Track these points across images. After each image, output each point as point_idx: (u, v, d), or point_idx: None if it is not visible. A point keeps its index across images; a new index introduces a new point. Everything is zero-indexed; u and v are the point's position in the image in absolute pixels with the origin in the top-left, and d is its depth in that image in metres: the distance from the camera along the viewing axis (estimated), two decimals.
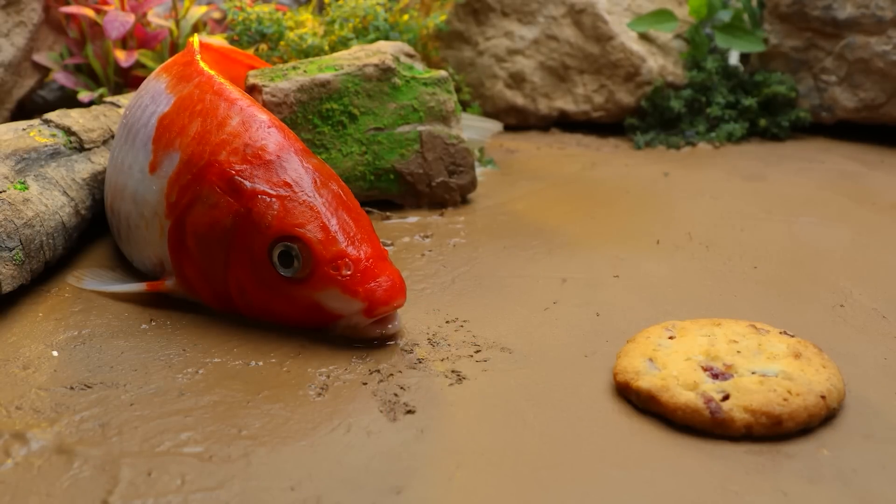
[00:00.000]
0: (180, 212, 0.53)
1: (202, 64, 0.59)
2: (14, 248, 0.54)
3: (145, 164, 0.56)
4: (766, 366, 0.45)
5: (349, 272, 0.49)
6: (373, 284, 0.49)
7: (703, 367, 0.45)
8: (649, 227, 0.71)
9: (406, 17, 0.91)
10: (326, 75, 0.71)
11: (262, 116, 0.54)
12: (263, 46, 0.85)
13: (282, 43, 0.84)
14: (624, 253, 0.65)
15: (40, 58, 0.90)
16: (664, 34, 1.02)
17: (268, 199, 0.51)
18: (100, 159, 0.66)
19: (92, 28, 0.90)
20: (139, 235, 0.57)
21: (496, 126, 0.90)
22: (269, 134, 0.53)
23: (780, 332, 0.48)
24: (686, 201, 0.78)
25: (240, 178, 0.52)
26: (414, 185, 0.74)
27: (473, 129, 0.83)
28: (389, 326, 0.51)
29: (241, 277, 0.51)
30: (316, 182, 0.52)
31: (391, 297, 0.49)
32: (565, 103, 1.03)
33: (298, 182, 0.52)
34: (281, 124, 0.54)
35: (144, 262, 0.58)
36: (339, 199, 0.52)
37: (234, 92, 0.56)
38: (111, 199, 0.60)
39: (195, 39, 0.64)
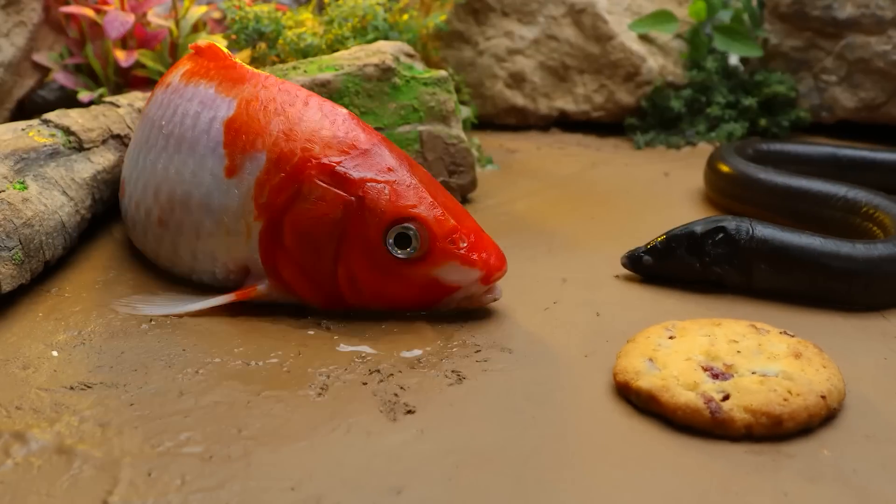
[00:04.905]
0: (276, 212, 0.53)
1: (247, 65, 0.59)
2: (13, 248, 0.54)
3: (219, 169, 0.55)
4: (767, 366, 0.45)
5: (465, 244, 0.52)
6: (485, 253, 0.53)
7: (703, 367, 0.45)
8: (650, 227, 0.71)
9: (406, 16, 0.91)
10: (327, 75, 0.71)
11: (341, 109, 0.56)
12: (262, 45, 0.85)
13: (280, 41, 0.84)
14: (624, 253, 0.65)
15: (40, 58, 0.90)
16: (664, 34, 1.02)
17: (378, 186, 0.52)
18: (99, 159, 0.66)
19: (92, 28, 0.89)
20: (213, 244, 0.56)
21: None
22: (354, 125, 0.55)
23: (781, 332, 0.48)
24: (686, 201, 0.78)
25: (343, 169, 0.53)
26: None
27: None
28: (497, 291, 0.54)
29: (354, 267, 0.52)
30: (410, 166, 0.54)
31: (502, 263, 0.53)
32: (565, 103, 1.03)
33: (398, 167, 0.54)
34: (355, 115, 0.56)
35: (215, 273, 0.57)
36: (432, 181, 0.55)
37: (301, 89, 0.57)
38: (159, 212, 0.58)
39: (219, 44, 0.62)
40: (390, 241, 0.52)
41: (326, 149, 0.53)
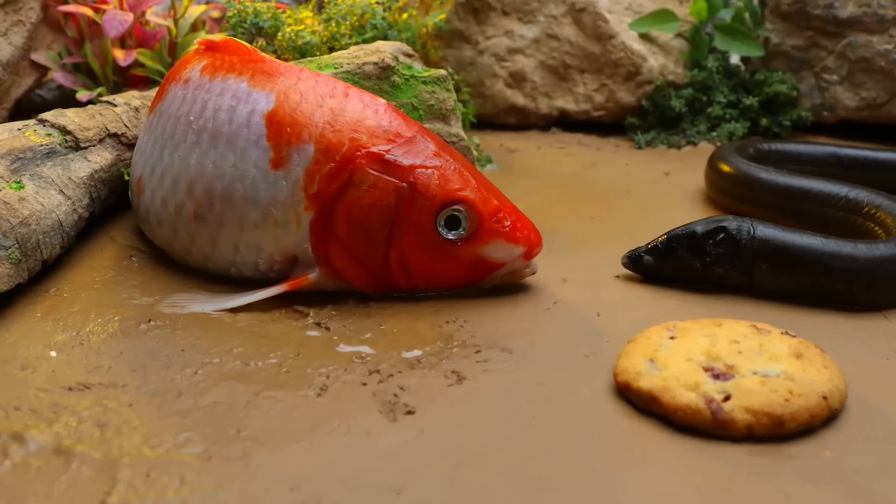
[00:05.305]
0: (327, 201, 0.54)
1: (275, 59, 0.60)
2: (10, 247, 0.54)
3: (263, 161, 0.55)
4: (768, 366, 0.45)
5: (508, 223, 0.55)
6: (526, 230, 0.56)
7: (704, 368, 0.45)
8: (650, 227, 0.71)
9: (405, 15, 0.91)
10: (326, 74, 0.71)
11: (380, 100, 0.58)
12: (260, 41, 0.85)
13: (279, 37, 0.83)
14: (624, 253, 0.65)
15: (39, 57, 0.89)
16: (665, 33, 1.02)
17: (427, 171, 0.55)
18: (96, 158, 0.66)
19: (90, 27, 0.89)
20: (258, 235, 0.56)
21: None
22: (395, 115, 0.57)
23: (782, 333, 0.48)
24: (687, 201, 0.78)
25: (393, 157, 0.55)
26: None
27: None
28: (534, 265, 0.57)
29: (406, 251, 0.54)
30: (451, 152, 0.57)
31: (540, 238, 0.57)
32: (566, 102, 1.03)
33: (441, 153, 0.56)
34: (393, 105, 0.58)
35: (258, 264, 0.57)
36: (469, 164, 0.58)
37: (338, 81, 0.58)
38: (194, 206, 0.57)
39: (245, 40, 0.62)
40: (441, 223, 0.54)
41: (373, 138, 0.55)
